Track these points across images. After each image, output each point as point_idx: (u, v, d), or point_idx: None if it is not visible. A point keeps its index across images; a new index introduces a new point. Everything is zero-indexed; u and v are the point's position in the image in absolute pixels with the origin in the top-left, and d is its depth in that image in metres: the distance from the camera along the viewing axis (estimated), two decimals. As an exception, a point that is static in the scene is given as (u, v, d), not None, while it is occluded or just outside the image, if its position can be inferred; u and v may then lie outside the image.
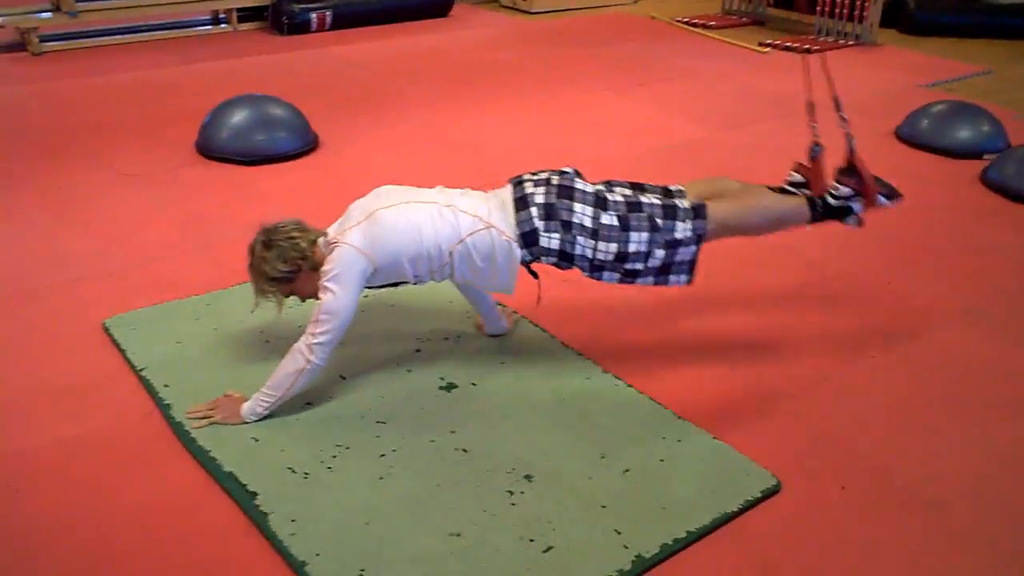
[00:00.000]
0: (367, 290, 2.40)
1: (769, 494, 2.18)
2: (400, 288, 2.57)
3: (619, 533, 2.03)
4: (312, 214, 2.60)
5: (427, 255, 2.33)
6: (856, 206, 2.48)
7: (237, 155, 4.11)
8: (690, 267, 2.41)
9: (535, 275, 2.48)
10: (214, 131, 4.20)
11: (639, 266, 2.36)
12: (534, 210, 2.33)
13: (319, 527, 2.03)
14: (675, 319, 2.94)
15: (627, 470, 2.23)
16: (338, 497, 2.13)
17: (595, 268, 2.38)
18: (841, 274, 3.28)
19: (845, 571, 1.98)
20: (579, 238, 2.32)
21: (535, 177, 2.42)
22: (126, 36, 6.28)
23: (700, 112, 5.07)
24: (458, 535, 2.02)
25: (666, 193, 2.46)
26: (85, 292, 2.98)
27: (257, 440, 2.29)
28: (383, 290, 2.60)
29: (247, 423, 2.34)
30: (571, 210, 2.32)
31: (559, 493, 2.15)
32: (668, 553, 1.99)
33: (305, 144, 4.27)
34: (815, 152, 2.51)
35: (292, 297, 2.46)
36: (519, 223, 2.34)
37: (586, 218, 2.32)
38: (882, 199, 2.48)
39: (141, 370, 2.55)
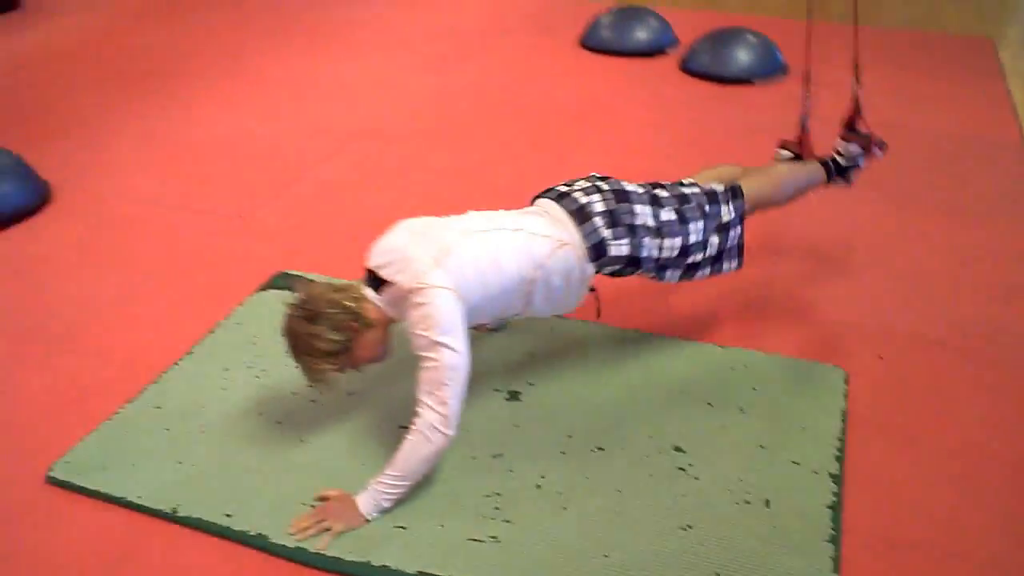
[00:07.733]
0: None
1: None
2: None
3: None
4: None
5: (508, 289, 2.12)
6: (862, 162, 2.66)
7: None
8: (739, 251, 2.43)
9: (592, 288, 2.35)
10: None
11: (699, 257, 2.34)
12: (598, 219, 2.21)
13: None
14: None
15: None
16: (535, 544, 1.99)
17: (660, 268, 2.32)
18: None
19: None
20: (645, 239, 2.24)
21: (577, 187, 2.29)
22: None
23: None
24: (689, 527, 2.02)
25: (682, 185, 2.44)
26: None
27: (405, 528, 2.01)
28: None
29: (370, 520, 2.03)
30: (633, 212, 2.24)
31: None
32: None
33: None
34: (806, 123, 2.64)
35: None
36: (585, 236, 2.20)
37: (648, 218, 2.26)
38: (877, 151, 2.65)
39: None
